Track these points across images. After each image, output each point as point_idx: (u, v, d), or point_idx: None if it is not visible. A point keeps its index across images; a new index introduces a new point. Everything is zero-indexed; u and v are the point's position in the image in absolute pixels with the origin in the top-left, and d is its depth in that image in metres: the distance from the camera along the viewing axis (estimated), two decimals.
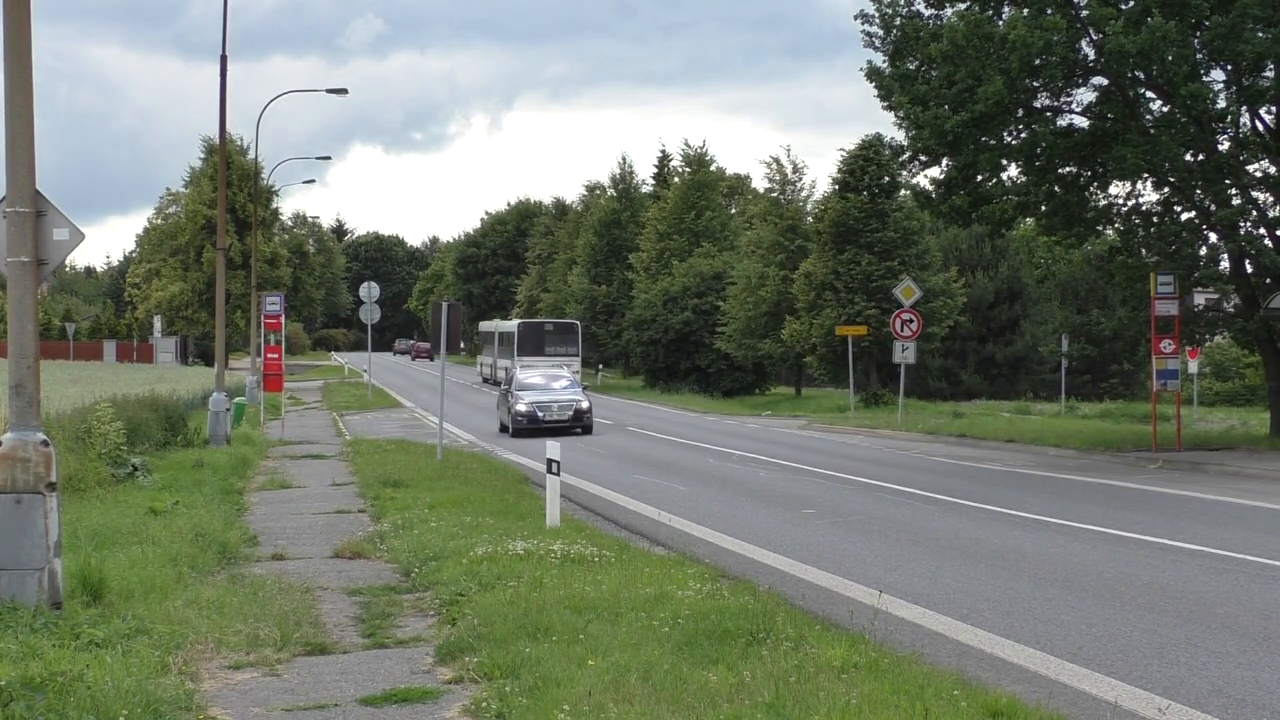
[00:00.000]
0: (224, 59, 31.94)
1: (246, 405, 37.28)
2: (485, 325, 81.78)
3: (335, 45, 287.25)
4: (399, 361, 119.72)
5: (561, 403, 35.86)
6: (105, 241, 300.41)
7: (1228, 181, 27.91)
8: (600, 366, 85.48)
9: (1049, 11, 26.71)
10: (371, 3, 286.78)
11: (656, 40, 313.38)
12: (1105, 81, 28.44)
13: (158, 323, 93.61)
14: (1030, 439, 32.11)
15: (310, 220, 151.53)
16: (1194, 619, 11.04)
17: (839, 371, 50.95)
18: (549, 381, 37.81)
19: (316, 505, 18.85)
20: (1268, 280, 29.68)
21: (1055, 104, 29.28)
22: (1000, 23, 27.27)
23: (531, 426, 35.04)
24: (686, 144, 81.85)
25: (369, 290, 54.49)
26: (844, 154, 52.30)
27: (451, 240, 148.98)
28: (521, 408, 35.50)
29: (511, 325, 72.23)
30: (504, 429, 36.75)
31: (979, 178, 29.70)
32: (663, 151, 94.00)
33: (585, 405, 36.14)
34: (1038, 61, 26.71)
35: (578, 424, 35.66)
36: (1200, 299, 33.49)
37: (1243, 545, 14.90)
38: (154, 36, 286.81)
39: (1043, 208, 30.46)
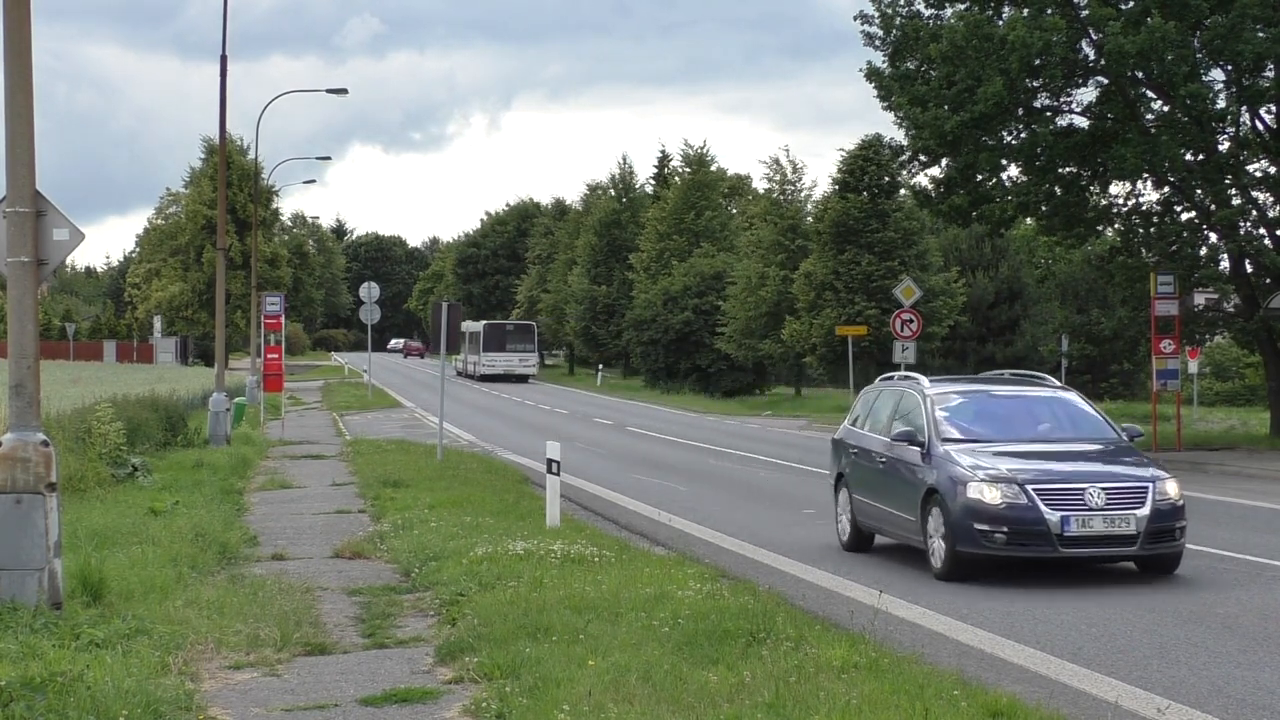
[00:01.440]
0: (224, 59, 31.94)
1: (246, 405, 37.26)
2: (465, 326, 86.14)
3: (333, 45, 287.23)
4: (393, 360, 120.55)
5: (1113, 487, 13.15)
6: (103, 241, 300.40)
7: (1228, 181, 27.93)
8: (600, 366, 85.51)
9: (1049, 12, 26.73)
10: (369, 2, 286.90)
11: (655, 40, 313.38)
12: (1105, 81, 28.45)
13: (158, 323, 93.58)
14: None
15: (310, 220, 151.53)
16: (1194, 619, 11.04)
17: (839, 371, 50.95)
18: (1038, 417, 14.80)
19: (316, 505, 18.84)
20: (1268, 280, 29.69)
21: (1055, 104, 29.30)
22: (1000, 23, 27.29)
23: (1022, 552, 13.08)
24: (687, 144, 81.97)
25: (369, 290, 54.47)
26: (844, 154, 52.42)
27: (451, 240, 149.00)
28: (992, 497, 13.01)
29: (478, 325, 77.54)
30: (847, 539, 15.38)
31: (979, 178, 29.73)
32: (663, 151, 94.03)
33: (1172, 495, 13.39)
34: (1038, 62, 26.74)
35: (1158, 545, 13.19)
36: (1200, 299, 33.50)
37: (1243, 545, 14.90)
38: (152, 36, 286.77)
39: (1043, 208, 30.49)
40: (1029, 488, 12.86)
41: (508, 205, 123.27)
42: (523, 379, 76.88)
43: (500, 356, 76.25)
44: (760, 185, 74.61)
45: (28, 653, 8.45)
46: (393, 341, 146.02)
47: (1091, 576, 13.10)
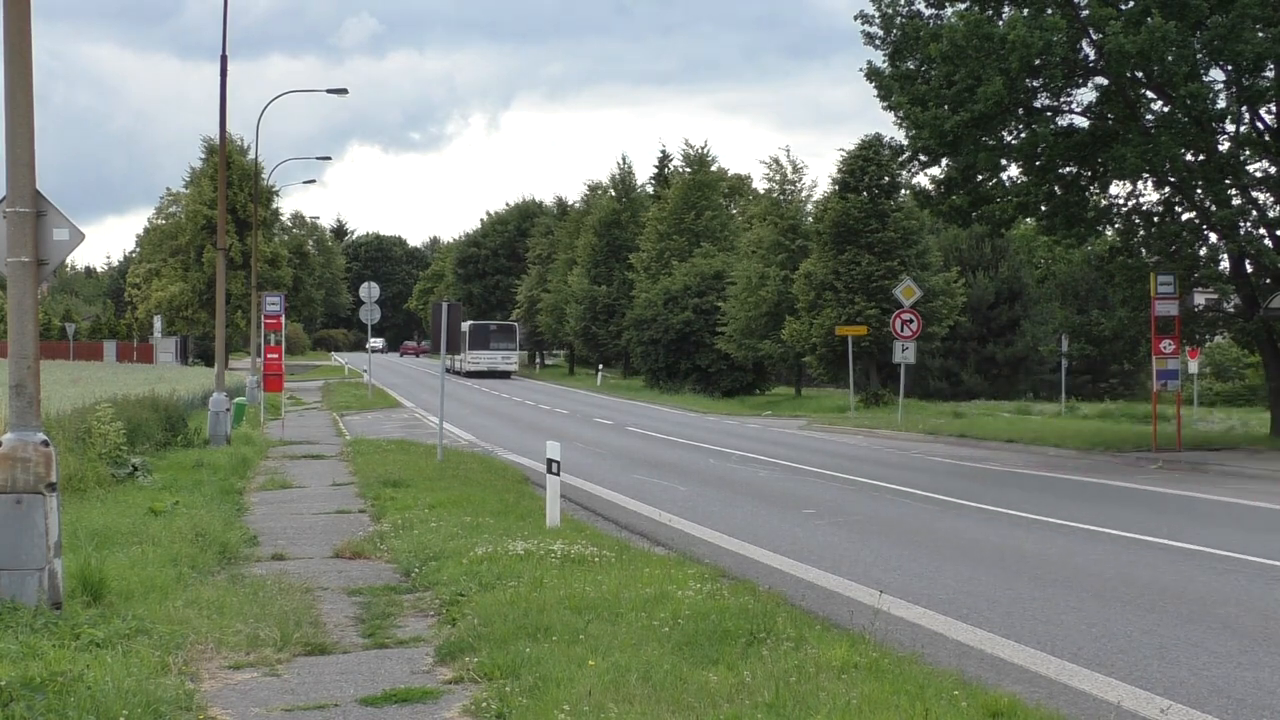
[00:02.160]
0: (224, 59, 31.92)
1: (246, 405, 37.25)
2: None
3: (332, 45, 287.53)
4: (388, 359, 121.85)
5: None
6: (101, 241, 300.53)
7: (1228, 181, 27.93)
8: (600, 366, 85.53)
9: (1049, 11, 26.72)
10: (366, 1, 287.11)
11: (654, 40, 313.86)
12: (1105, 81, 28.45)
13: (158, 323, 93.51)
14: (1030, 439, 32.10)
15: (310, 220, 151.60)
16: (1194, 619, 11.04)
17: (839, 371, 50.96)
18: None
19: (316, 505, 18.83)
20: (1268, 280, 29.69)
21: (1055, 104, 29.30)
22: (1000, 23, 27.28)
23: None
24: (687, 144, 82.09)
25: (369, 290, 54.48)
26: (844, 154, 52.43)
27: (452, 240, 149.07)
28: None
29: (464, 325, 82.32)
30: None
31: (979, 177, 29.74)
32: (663, 151, 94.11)
33: None
34: (1038, 61, 26.73)
35: None
36: (1200, 299, 33.52)
37: (1243, 545, 14.90)
38: (151, 36, 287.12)
39: (1043, 208, 30.49)
40: None
41: (507, 205, 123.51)
42: (505, 375, 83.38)
43: (484, 354, 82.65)
44: (760, 185, 74.73)
45: (28, 653, 8.44)
46: (370, 341, 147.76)
47: (1091, 576, 13.11)
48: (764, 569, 13.71)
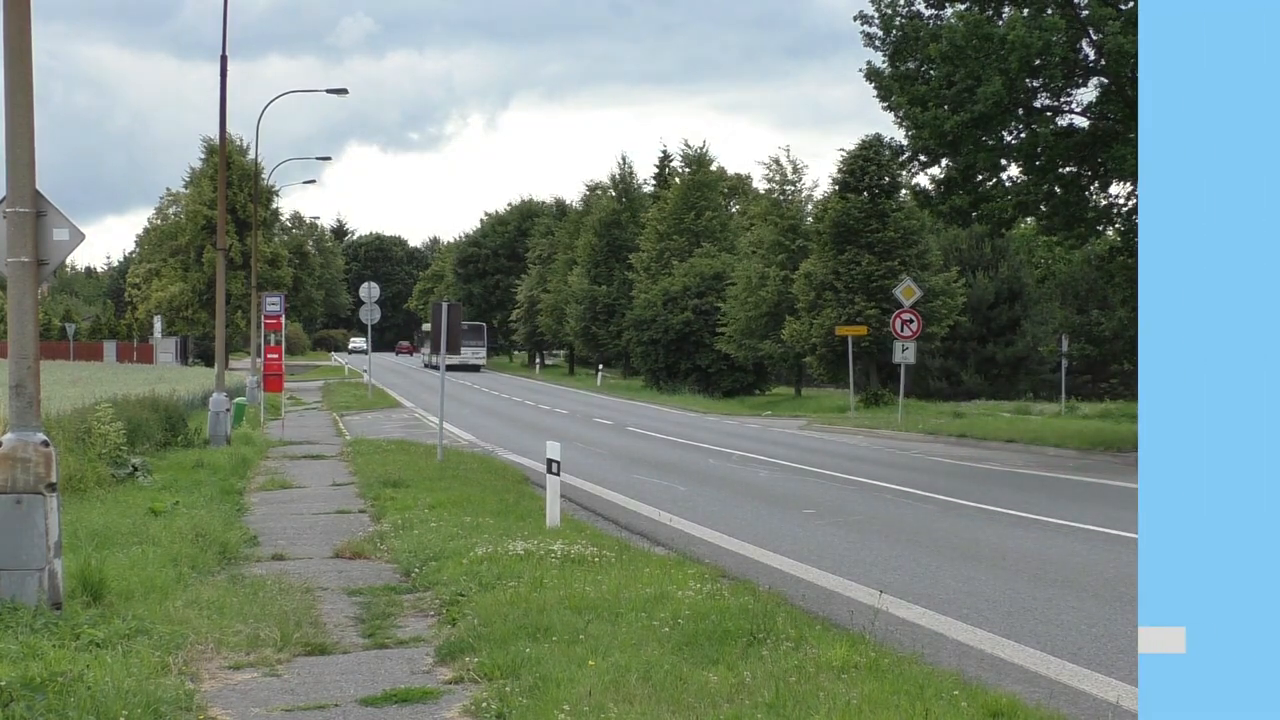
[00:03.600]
0: (224, 59, 31.92)
1: (246, 405, 37.24)
2: (426, 326, 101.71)
3: (331, 45, 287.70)
4: (384, 358, 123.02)
5: None
6: (100, 241, 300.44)
7: None
8: (600, 366, 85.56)
9: (1049, 11, 26.73)
10: (364, 1, 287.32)
11: (653, 39, 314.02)
12: (1105, 81, 28.46)
13: (158, 323, 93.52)
14: (1030, 439, 32.10)
15: (310, 220, 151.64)
16: None
17: (839, 371, 50.95)
18: None
19: (316, 505, 18.83)
20: None
21: (1055, 104, 29.30)
22: (1000, 23, 27.28)
23: None
24: (686, 144, 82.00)
25: (369, 291, 54.47)
26: (844, 154, 52.41)
27: (452, 240, 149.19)
28: None
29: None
30: None
31: (979, 177, 29.73)
32: (663, 151, 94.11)
33: None
34: (1037, 62, 26.73)
35: None
36: None
37: None
38: (149, 36, 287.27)
39: (1043, 208, 30.49)
40: None
41: (508, 205, 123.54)
42: (475, 368, 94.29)
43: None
44: (760, 185, 74.71)
45: (28, 653, 8.44)
46: (353, 342, 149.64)
47: (1091, 576, 13.12)
48: (764, 569, 13.71)
